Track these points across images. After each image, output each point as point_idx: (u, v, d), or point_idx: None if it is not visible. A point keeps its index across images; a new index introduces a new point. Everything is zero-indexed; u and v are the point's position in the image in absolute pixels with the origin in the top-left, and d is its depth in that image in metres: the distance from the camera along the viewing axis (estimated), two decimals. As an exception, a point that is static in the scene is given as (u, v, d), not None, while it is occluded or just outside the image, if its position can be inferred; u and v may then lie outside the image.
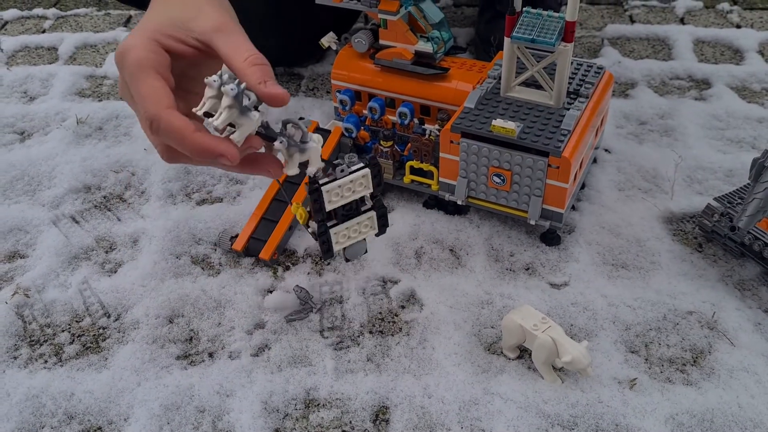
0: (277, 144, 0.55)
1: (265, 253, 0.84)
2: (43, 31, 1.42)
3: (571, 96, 0.86)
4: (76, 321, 0.78)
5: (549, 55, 0.82)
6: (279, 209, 0.87)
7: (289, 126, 0.56)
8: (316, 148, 0.57)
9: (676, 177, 0.95)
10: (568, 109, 0.83)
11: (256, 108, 0.54)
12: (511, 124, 0.78)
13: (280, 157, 0.59)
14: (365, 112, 0.92)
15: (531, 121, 0.82)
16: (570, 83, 0.87)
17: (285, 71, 1.21)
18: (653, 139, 1.04)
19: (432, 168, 0.88)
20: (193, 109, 0.53)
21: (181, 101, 0.57)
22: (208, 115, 0.54)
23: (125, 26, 1.42)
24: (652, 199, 0.92)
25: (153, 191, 0.96)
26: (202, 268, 0.85)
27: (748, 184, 0.77)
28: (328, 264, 0.85)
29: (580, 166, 0.85)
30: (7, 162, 1.02)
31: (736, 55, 1.26)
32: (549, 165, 0.78)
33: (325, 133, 0.93)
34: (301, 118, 0.57)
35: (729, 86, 1.16)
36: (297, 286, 0.80)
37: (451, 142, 0.83)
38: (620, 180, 0.96)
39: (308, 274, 0.83)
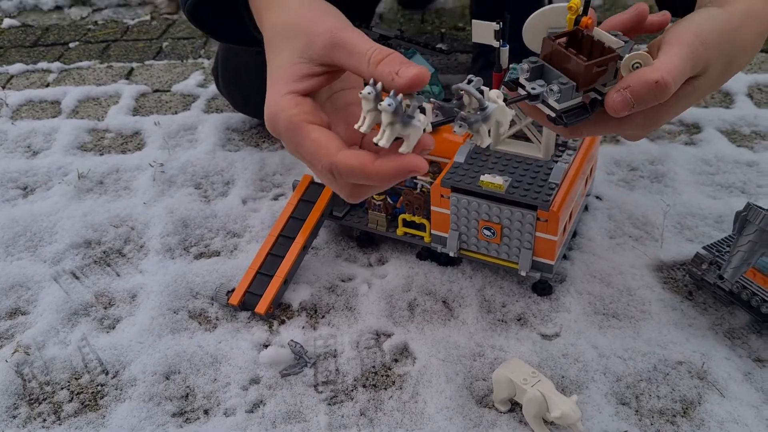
0: (456, 130, 0.49)
1: (261, 308, 0.85)
2: (47, 85, 1.45)
3: (560, 148, 0.87)
4: (75, 378, 0.80)
5: (536, 109, 0.83)
6: (274, 263, 0.89)
7: (464, 96, 0.48)
8: (500, 107, 0.49)
9: (666, 224, 0.97)
10: (557, 162, 0.84)
11: (421, 108, 0.48)
12: (499, 179, 0.80)
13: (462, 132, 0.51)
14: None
15: (520, 174, 0.83)
16: (558, 135, 0.89)
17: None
18: (644, 186, 1.05)
19: (424, 221, 0.89)
20: (355, 126, 0.49)
21: (341, 123, 0.55)
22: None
23: (127, 78, 1.46)
24: (643, 247, 0.94)
25: (152, 245, 0.98)
26: (199, 323, 0.86)
27: (733, 235, 0.79)
28: (323, 318, 0.86)
29: (570, 217, 0.87)
30: (10, 218, 1.04)
31: (725, 98, 1.28)
32: (538, 218, 0.80)
33: (318, 187, 0.95)
34: (469, 81, 0.48)
35: (719, 130, 1.18)
36: (292, 340, 0.81)
37: (442, 196, 0.84)
38: (611, 227, 0.97)
39: (303, 327, 0.85)
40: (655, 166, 1.10)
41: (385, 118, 0.46)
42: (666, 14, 0.57)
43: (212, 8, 0.70)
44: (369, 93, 0.46)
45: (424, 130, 0.47)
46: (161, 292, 0.90)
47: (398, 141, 0.48)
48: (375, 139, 0.47)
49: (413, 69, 0.47)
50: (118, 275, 0.94)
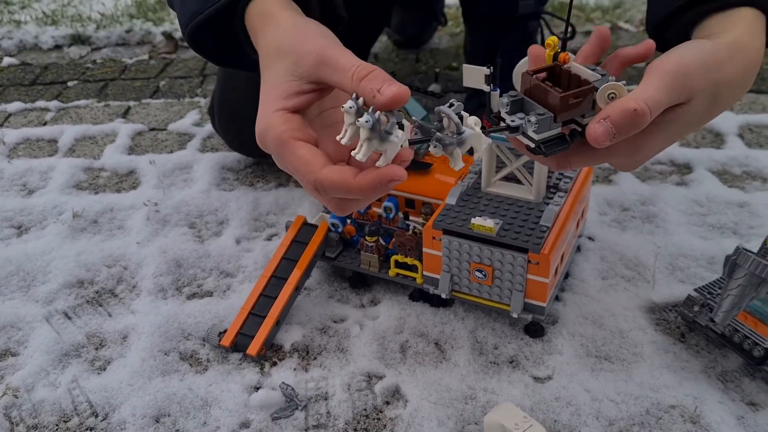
0: (431, 149, 0.50)
1: (253, 349, 0.85)
2: (45, 123, 1.46)
3: (551, 190, 0.88)
4: (64, 421, 0.79)
5: (527, 152, 0.84)
6: (267, 304, 0.89)
7: (444, 119, 0.50)
8: (476, 134, 0.50)
9: (658, 265, 0.97)
10: (548, 204, 0.85)
11: (399, 125, 0.49)
12: (490, 222, 0.80)
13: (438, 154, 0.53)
14: (378, 210, 0.95)
15: (511, 216, 0.84)
16: (550, 177, 0.90)
17: (277, 161, 1.24)
18: (635, 226, 1.06)
19: (416, 262, 0.89)
20: (337, 137, 0.51)
21: (329, 140, 0.56)
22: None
23: (124, 117, 1.47)
24: (635, 288, 0.94)
25: (144, 285, 0.98)
26: (190, 365, 0.86)
27: (723, 278, 0.79)
28: (315, 359, 0.86)
29: (562, 259, 0.87)
30: (3, 257, 1.04)
31: (717, 138, 1.29)
32: (529, 261, 0.80)
33: (311, 228, 0.95)
34: (451, 104, 0.50)
35: (710, 170, 1.19)
36: (283, 383, 0.81)
37: (434, 238, 0.85)
38: (603, 269, 0.98)
39: (294, 369, 0.84)
40: (647, 206, 1.10)
41: (362, 134, 0.48)
42: (648, 44, 0.58)
43: (211, 32, 0.72)
44: (350, 107, 0.49)
45: (402, 146, 0.50)
46: (152, 333, 0.90)
47: (379, 154, 0.50)
48: (353, 153, 0.49)
49: (394, 87, 0.49)
50: (110, 315, 0.94)
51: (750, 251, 0.71)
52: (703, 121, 0.60)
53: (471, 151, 0.52)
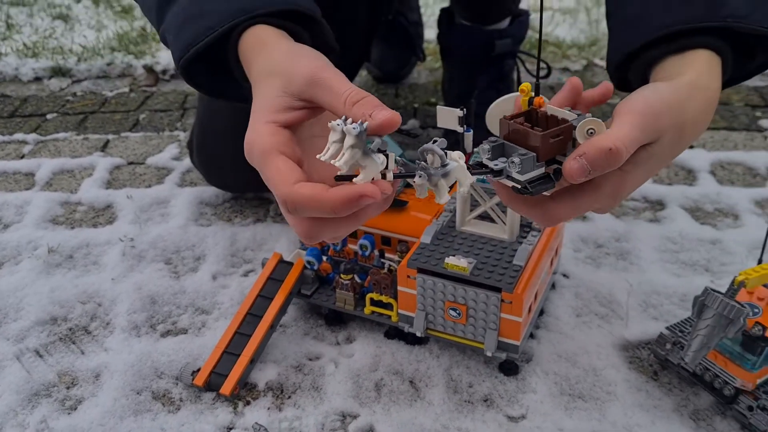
0: (417, 180, 0.50)
1: (226, 389, 0.84)
2: (22, 156, 1.46)
3: (525, 229, 0.89)
4: (32, 463, 0.78)
5: (500, 191, 0.85)
6: (241, 343, 0.88)
7: (428, 155, 0.51)
8: (460, 167, 0.51)
9: (631, 302, 0.98)
10: (521, 243, 0.86)
11: (382, 152, 0.50)
12: (463, 262, 0.81)
13: (423, 189, 0.52)
14: (354, 247, 0.95)
15: (485, 255, 0.85)
16: (523, 216, 0.91)
17: (255, 196, 1.25)
18: (610, 263, 1.07)
19: (391, 300, 0.90)
20: (317, 156, 0.51)
21: (314, 164, 0.55)
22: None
23: (102, 151, 1.47)
24: (609, 326, 0.94)
25: (118, 322, 0.98)
26: (163, 404, 0.85)
27: (692, 318, 0.80)
28: (289, 398, 0.85)
29: (535, 297, 0.88)
30: (-25, 293, 1.03)
31: (689, 175, 1.31)
32: (502, 300, 0.81)
33: (287, 265, 0.95)
34: (434, 141, 0.51)
35: (682, 207, 1.21)
36: (256, 423, 0.81)
37: (408, 276, 0.85)
38: (578, 306, 0.98)
39: (268, 408, 0.84)
40: (621, 243, 1.12)
41: (347, 141, 0.48)
42: (606, 86, 0.60)
43: (204, 65, 0.72)
44: (338, 124, 0.49)
45: (384, 176, 0.50)
46: (125, 372, 0.89)
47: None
48: (334, 161, 0.49)
49: (386, 113, 0.50)
50: (83, 353, 0.93)
51: (718, 292, 0.72)
52: (670, 158, 0.62)
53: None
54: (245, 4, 0.67)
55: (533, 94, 0.58)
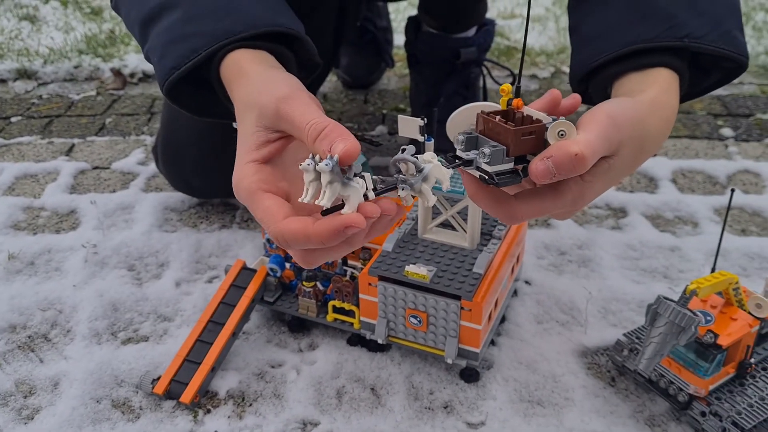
0: (400, 193, 0.51)
1: (186, 397, 0.84)
2: (-15, 160, 1.44)
3: (485, 237, 0.90)
4: (-13, 474, 0.77)
5: (462, 199, 0.87)
6: (202, 350, 0.88)
7: (401, 165, 0.52)
8: (436, 166, 0.52)
9: (591, 309, 0.99)
10: (482, 251, 0.87)
11: (358, 175, 0.50)
12: (423, 270, 0.82)
13: (409, 199, 0.53)
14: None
15: (445, 264, 0.85)
16: (484, 224, 0.92)
17: (221, 202, 1.24)
18: (572, 270, 1.08)
19: (353, 307, 0.90)
20: (299, 199, 0.51)
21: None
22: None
23: (67, 155, 1.45)
24: (569, 333, 0.96)
25: (79, 330, 0.97)
26: (122, 413, 0.84)
27: (646, 326, 0.81)
28: (250, 406, 0.85)
29: (496, 305, 0.89)
30: (-68, 300, 1.02)
31: (651, 183, 1.33)
32: (462, 308, 0.82)
33: (250, 272, 0.95)
34: (402, 150, 0.52)
35: (644, 215, 1.23)
36: (216, 431, 0.80)
37: (370, 284, 0.86)
38: (539, 313, 0.99)
39: (229, 417, 0.84)
40: (583, 250, 1.13)
41: (323, 179, 0.49)
42: (576, 97, 0.61)
43: (189, 85, 0.73)
44: (308, 164, 0.49)
45: (366, 197, 0.50)
46: (85, 380, 0.88)
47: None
48: (317, 201, 0.50)
49: (341, 146, 0.50)
50: (42, 361, 0.92)
51: (670, 300, 0.74)
52: (629, 170, 0.63)
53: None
54: (228, 27, 0.68)
55: (512, 95, 0.59)
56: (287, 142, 0.60)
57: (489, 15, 2.30)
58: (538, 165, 0.53)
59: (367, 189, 0.50)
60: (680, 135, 1.51)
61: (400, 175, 0.52)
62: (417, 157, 0.52)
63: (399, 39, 1.86)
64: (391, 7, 2.04)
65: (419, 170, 0.52)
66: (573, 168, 0.53)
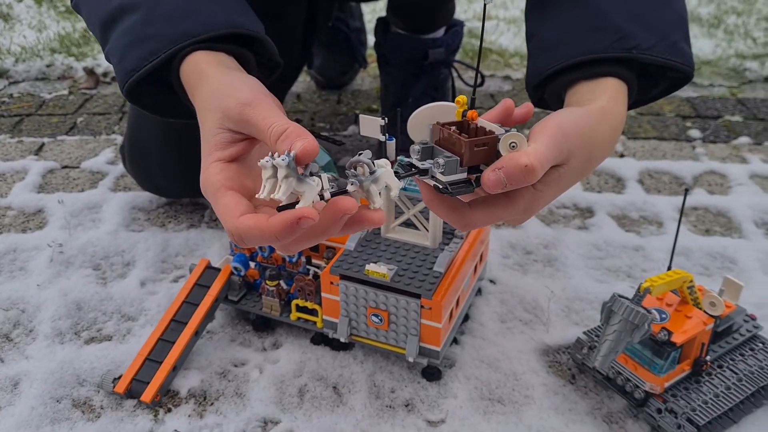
0: (349, 188, 0.53)
1: (147, 396, 0.84)
2: (-48, 159, 1.43)
3: (447, 236, 0.91)
4: (-57, 474, 0.76)
5: (424, 199, 0.87)
6: (164, 349, 0.88)
7: (358, 167, 0.54)
8: (388, 171, 0.54)
9: (555, 308, 1.00)
10: (443, 250, 0.87)
11: (315, 174, 0.52)
12: (383, 268, 0.82)
13: (357, 197, 0.54)
14: (282, 253, 0.95)
15: (407, 262, 0.86)
16: (446, 223, 0.92)
17: (190, 202, 1.24)
18: (537, 270, 1.09)
19: (316, 306, 0.90)
20: (256, 195, 0.53)
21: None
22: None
23: (36, 154, 1.44)
24: (531, 331, 0.97)
25: (41, 329, 0.96)
26: (83, 412, 0.84)
27: (599, 325, 0.82)
28: (212, 405, 0.85)
29: (457, 303, 0.90)
30: None
31: (618, 183, 1.35)
32: (422, 306, 0.82)
33: (215, 271, 0.95)
34: (360, 153, 0.54)
35: (610, 215, 1.24)
36: (175, 430, 0.80)
37: (331, 283, 0.86)
38: (502, 312, 1.00)
39: (189, 416, 0.84)
40: (549, 250, 1.14)
41: (280, 173, 0.50)
42: (528, 106, 0.63)
43: (149, 86, 0.73)
44: (267, 161, 0.51)
45: (322, 197, 0.52)
46: (45, 380, 0.88)
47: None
48: (273, 195, 0.51)
49: (300, 143, 0.53)
50: (2, 361, 0.91)
51: (625, 298, 0.75)
52: (579, 178, 0.65)
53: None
54: (187, 29, 0.69)
55: (467, 106, 0.61)
56: (252, 144, 0.61)
57: (465, 17, 2.32)
58: (490, 176, 0.54)
59: (323, 189, 0.52)
60: (649, 136, 1.53)
61: (353, 171, 0.54)
62: (373, 162, 0.54)
63: (373, 40, 1.86)
64: (366, 8, 2.04)
65: (372, 172, 0.54)
66: (523, 178, 0.54)
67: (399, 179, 0.56)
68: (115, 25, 0.74)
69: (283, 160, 0.50)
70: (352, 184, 0.53)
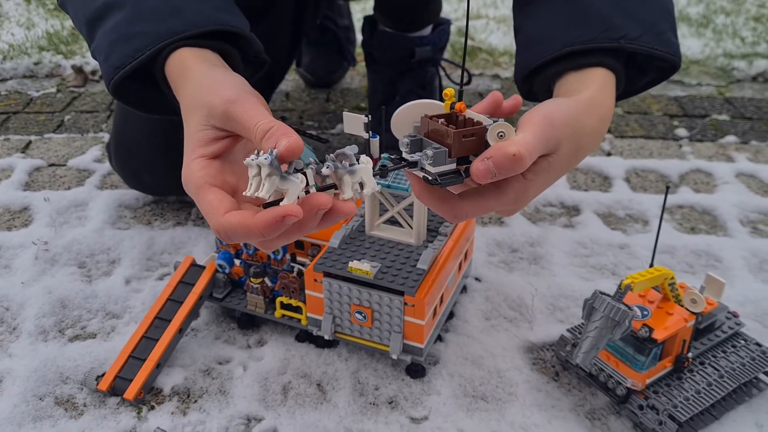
0: (324, 170, 0.53)
1: (130, 393, 0.84)
2: (-62, 157, 1.42)
3: (432, 234, 0.91)
4: (-76, 472, 0.76)
5: (408, 196, 0.87)
6: (148, 347, 0.88)
7: (342, 159, 0.54)
8: (365, 168, 0.54)
9: (539, 306, 1.01)
10: (427, 247, 0.88)
11: (299, 171, 0.52)
12: (367, 266, 0.82)
13: (329, 180, 0.55)
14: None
15: (390, 260, 0.86)
16: (431, 221, 0.92)
17: (176, 199, 1.24)
18: (522, 267, 1.10)
19: (300, 304, 0.90)
20: (243, 192, 0.53)
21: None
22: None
23: (23, 152, 1.44)
24: (516, 329, 0.97)
25: (25, 327, 0.96)
26: (66, 410, 0.84)
27: (582, 323, 0.82)
28: (195, 402, 0.85)
29: (441, 301, 0.90)
30: None
31: (604, 182, 1.35)
32: (405, 303, 0.82)
33: (199, 269, 0.95)
34: (348, 147, 0.55)
35: (596, 213, 1.24)
36: (158, 428, 0.80)
37: (315, 280, 0.86)
38: (487, 309, 1.01)
39: (172, 413, 0.84)
40: (535, 248, 1.14)
41: (263, 171, 0.51)
42: (517, 98, 0.63)
43: (135, 83, 0.73)
44: (251, 160, 0.51)
45: (308, 192, 0.52)
46: (28, 378, 0.87)
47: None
48: (257, 193, 0.51)
49: (284, 141, 0.53)
50: (-15, 359, 0.91)
51: (606, 295, 0.75)
52: (568, 167, 0.65)
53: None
54: (172, 26, 0.69)
55: (456, 99, 0.61)
56: (236, 141, 0.61)
57: (454, 15, 2.32)
58: (478, 166, 0.55)
59: (308, 185, 0.52)
60: (636, 135, 1.53)
61: (333, 157, 0.54)
62: (357, 157, 0.54)
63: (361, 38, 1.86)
64: (356, 6, 2.05)
65: (351, 164, 0.54)
66: (512, 167, 0.54)
67: (388, 172, 0.56)
68: (101, 22, 0.75)
69: (265, 159, 0.50)
70: (327, 168, 0.53)
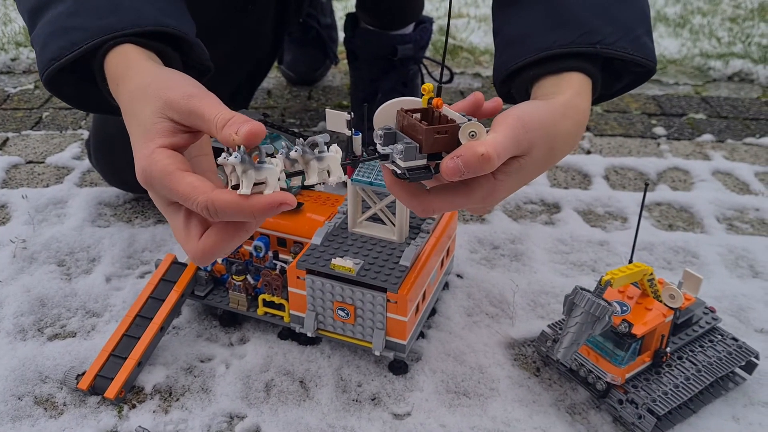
0: (292, 153, 0.53)
1: (111, 392, 0.83)
2: None
3: (414, 231, 0.91)
4: None
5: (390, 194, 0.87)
6: (129, 345, 0.88)
7: (311, 142, 0.54)
8: (334, 157, 0.54)
9: (521, 302, 1.01)
10: (409, 244, 0.88)
11: (270, 155, 0.53)
12: (349, 263, 0.82)
13: (295, 164, 0.55)
14: (249, 248, 0.95)
15: (373, 257, 0.86)
16: (414, 218, 0.93)
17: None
18: (503, 264, 1.10)
19: (283, 301, 0.90)
20: (237, 192, 0.52)
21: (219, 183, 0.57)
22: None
23: (0, 150, 1.42)
24: (497, 325, 0.98)
25: (3, 326, 0.95)
26: (45, 409, 0.83)
27: (563, 318, 0.83)
28: (177, 401, 0.85)
29: (424, 297, 0.90)
30: None
31: (584, 179, 1.36)
32: (388, 300, 0.83)
33: (181, 267, 0.95)
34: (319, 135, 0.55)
35: (576, 210, 1.26)
36: (139, 426, 0.80)
37: (298, 277, 0.86)
38: (469, 306, 1.01)
39: (154, 412, 0.83)
40: (516, 245, 1.15)
41: (238, 169, 0.51)
42: (497, 100, 0.64)
43: (70, 76, 0.72)
44: (224, 159, 0.52)
45: (279, 179, 0.53)
46: (6, 377, 0.87)
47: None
48: (239, 191, 0.52)
49: (247, 126, 0.53)
50: (-37, 359, 0.90)
51: (587, 290, 0.76)
52: (541, 170, 0.65)
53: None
54: (112, 23, 0.68)
55: (434, 94, 0.61)
56: (195, 137, 0.60)
57: (436, 14, 2.33)
58: (448, 163, 0.55)
59: (284, 168, 0.53)
60: (615, 133, 1.55)
61: (302, 140, 0.54)
62: (327, 146, 0.55)
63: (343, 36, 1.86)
64: (339, 4, 2.05)
65: (321, 151, 0.54)
66: (480, 167, 0.55)
67: (360, 162, 0.58)
68: (42, 13, 0.74)
69: (235, 157, 0.51)
70: (295, 151, 0.54)
